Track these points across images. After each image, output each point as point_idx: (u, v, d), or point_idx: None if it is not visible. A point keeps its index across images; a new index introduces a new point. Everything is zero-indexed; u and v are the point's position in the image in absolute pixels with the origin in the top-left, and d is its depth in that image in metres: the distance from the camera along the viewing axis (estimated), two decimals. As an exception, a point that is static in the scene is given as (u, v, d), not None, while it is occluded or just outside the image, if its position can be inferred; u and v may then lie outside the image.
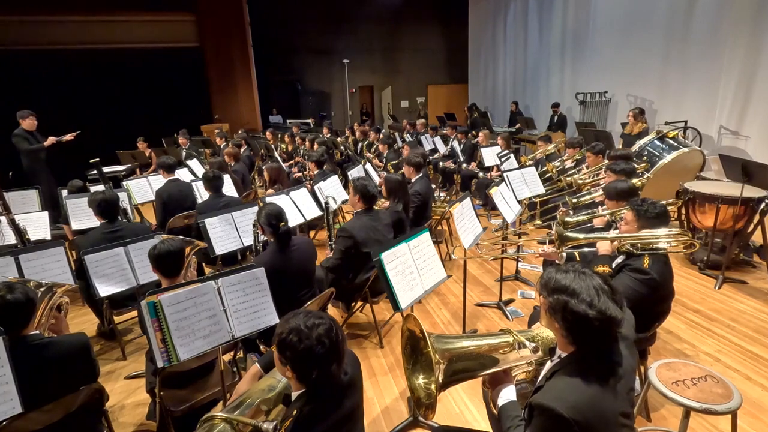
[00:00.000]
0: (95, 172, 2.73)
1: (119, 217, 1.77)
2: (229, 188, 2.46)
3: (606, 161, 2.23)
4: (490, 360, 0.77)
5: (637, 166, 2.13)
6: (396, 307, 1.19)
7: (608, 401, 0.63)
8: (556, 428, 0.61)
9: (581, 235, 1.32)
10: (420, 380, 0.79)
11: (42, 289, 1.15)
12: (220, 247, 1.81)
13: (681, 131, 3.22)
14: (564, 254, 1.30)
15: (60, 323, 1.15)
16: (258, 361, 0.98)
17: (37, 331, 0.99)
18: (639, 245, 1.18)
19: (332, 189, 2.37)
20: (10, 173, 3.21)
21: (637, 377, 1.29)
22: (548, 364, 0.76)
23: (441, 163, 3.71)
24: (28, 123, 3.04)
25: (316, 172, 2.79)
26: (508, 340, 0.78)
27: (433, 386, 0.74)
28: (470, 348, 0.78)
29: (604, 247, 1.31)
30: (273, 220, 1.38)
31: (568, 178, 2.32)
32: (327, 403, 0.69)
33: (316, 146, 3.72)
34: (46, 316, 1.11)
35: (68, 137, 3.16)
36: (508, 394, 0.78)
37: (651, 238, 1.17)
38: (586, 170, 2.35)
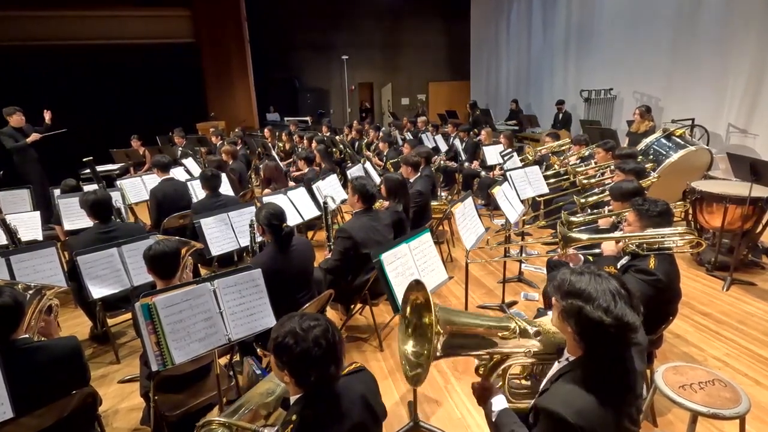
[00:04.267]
0: (88, 171, 2.69)
1: (113, 217, 1.74)
2: (226, 187, 2.43)
3: (613, 160, 2.19)
4: (488, 342, 0.76)
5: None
6: (396, 309, 1.18)
7: (615, 408, 0.61)
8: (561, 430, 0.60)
9: (585, 236, 1.31)
10: (410, 347, 0.78)
11: (30, 292, 1.13)
12: (217, 248, 1.78)
13: (688, 129, 3.17)
14: (581, 258, 1.28)
15: (50, 326, 1.13)
16: None
17: (27, 335, 0.97)
18: (644, 245, 1.16)
19: (331, 188, 2.33)
20: (1, 172, 3.15)
21: (643, 381, 1.28)
22: (555, 366, 0.73)
23: (442, 162, 3.66)
24: (16, 120, 2.98)
25: (307, 169, 2.74)
26: (510, 326, 0.77)
27: (424, 355, 0.73)
28: (473, 324, 0.76)
29: (609, 248, 1.30)
30: (274, 220, 1.35)
31: (573, 178, 2.27)
32: (327, 406, 0.66)
33: (314, 144, 3.66)
34: (35, 319, 1.09)
35: (38, 136, 3.06)
36: (499, 404, 0.76)
37: (656, 238, 1.15)
38: (593, 166, 2.29)
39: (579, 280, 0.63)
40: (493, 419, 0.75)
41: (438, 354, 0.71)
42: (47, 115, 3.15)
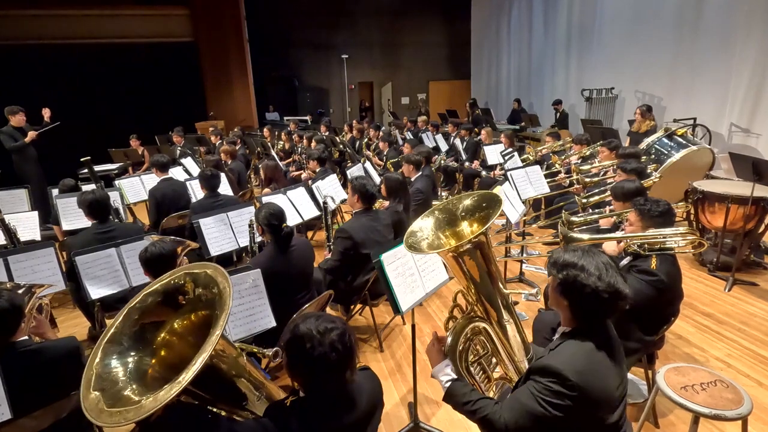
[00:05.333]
0: (86, 170, 2.64)
1: (111, 217, 1.72)
2: (224, 187, 2.41)
3: (616, 160, 2.18)
4: (489, 293, 0.78)
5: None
6: (396, 309, 1.15)
7: (610, 373, 0.65)
8: (559, 391, 0.61)
9: (586, 236, 1.30)
10: (445, 232, 0.82)
11: (20, 291, 1.11)
12: (215, 248, 1.77)
13: (690, 129, 3.16)
14: None
15: (41, 325, 1.12)
16: None
17: (26, 337, 0.96)
18: (646, 246, 1.16)
19: (331, 188, 2.32)
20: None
21: (645, 382, 1.27)
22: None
23: (443, 162, 3.64)
24: (17, 119, 2.99)
25: (318, 169, 2.72)
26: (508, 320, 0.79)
27: (451, 241, 0.78)
28: (496, 273, 0.79)
29: (610, 248, 1.30)
30: (274, 220, 1.34)
31: (575, 176, 2.25)
32: (335, 398, 0.66)
33: (314, 144, 3.64)
34: (26, 320, 1.07)
35: (46, 115, 3.09)
36: (448, 371, 0.76)
37: (658, 238, 1.15)
38: (595, 165, 2.27)
39: (572, 255, 0.68)
40: (444, 381, 0.75)
41: (456, 249, 0.75)
42: (46, 114, 3.14)
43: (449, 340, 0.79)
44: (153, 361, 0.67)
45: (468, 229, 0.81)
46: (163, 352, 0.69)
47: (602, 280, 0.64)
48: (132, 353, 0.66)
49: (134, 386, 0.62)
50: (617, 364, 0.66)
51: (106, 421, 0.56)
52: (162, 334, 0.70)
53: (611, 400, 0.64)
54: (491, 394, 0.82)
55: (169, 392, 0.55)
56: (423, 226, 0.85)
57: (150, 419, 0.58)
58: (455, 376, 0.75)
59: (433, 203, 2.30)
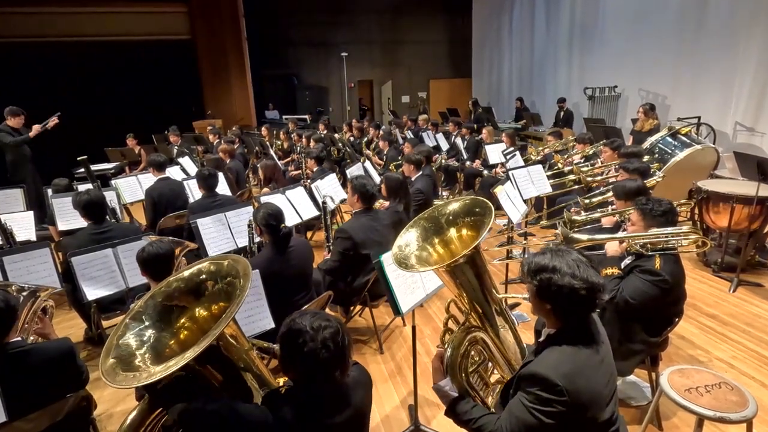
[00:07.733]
0: (83, 170, 2.61)
1: (107, 217, 1.71)
2: (222, 187, 2.39)
3: (618, 159, 2.16)
4: (483, 302, 0.78)
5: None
6: (396, 311, 1.14)
7: (597, 371, 0.65)
8: (548, 398, 0.61)
9: (587, 236, 1.29)
10: (433, 242, 0.83)
11: (24, 294, 1.12)
12: (213, 249, 1.75)
13: (694, 128, 3.09)
14: None
15: (46, 326, 1.12)
16: None
17: (19, 338, 0.95)
18: (648, 245, 1.14)
19: (330, 188, 2.30)
20: None
21: (649, 384, 1.27)
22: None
23: (443, 161, 3.62)
24: (15, 121, 2.99)
25: (315, 169, 2.71)
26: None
27: (439, 249, 0.79)
28: (489, 283, 0.80)
29: (612, 248, 1.28)
30: (272, 220, 1.33)
31: (576, 176, 2.23)
32: (323, 403, 0.66)
33: (313, 143, 3.62)
34: (29, 321, 1.08)
35: (52, 122, 3.10)
36: (449, 390, 0.76)
37: (660, 237, 1.14)
38: (598, 165, 2.26)
39: (542, 259, 0.68)
40: (449, 400, 0.76)
41: (444, 266, 0.76)
42: (52, 122, 3.13)
43: (448, 354, 0.78)
44: (172, 341, 0.71)
45: (456, 235, 0.81)
46: (182, 336, 0.73)
47: (576, 277, 0.64)
48: (152, 330, 0.71)
49: (148, 357, 0.67)
50: (604, 360, 0.66)
51: (120, 382, 0.62)
52: (183, 319, 0.74)
53: (601, 398, 0.64)
54: (490, 400, 0.82)
55: (179, 361, 0.59)
56: (409, 240, 0.83)
57: (158, 385, 0.64)
58: (456, 395, 0.75)
59: (435, 203, 2.34)
